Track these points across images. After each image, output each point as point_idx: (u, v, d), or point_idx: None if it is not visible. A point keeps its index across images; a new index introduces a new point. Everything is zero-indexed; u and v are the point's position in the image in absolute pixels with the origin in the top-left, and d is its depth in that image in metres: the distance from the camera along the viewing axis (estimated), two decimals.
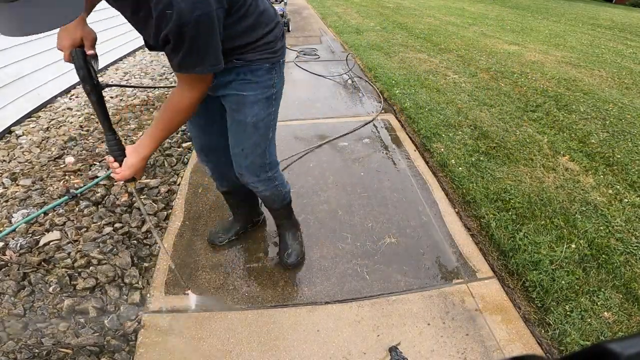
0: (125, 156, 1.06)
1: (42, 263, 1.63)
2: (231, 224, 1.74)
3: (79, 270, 1.60)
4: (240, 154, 1.28)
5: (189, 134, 2.77)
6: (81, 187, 2.11)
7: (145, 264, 1.65)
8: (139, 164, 1.07)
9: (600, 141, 2.76)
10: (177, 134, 2.77)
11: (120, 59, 4.67)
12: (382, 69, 4.20)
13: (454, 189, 2.16)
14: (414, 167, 2.34)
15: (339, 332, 1.33)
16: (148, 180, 2.21)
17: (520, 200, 2.04)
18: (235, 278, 1.56)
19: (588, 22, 8.92)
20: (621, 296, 1.52)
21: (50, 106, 3.29)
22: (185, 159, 2.44)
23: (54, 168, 2.35)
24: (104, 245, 1.71)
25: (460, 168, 2.31)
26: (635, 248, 1.76)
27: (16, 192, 2.10)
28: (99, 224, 1.86)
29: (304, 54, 4.86)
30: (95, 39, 1.02)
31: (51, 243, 1.74)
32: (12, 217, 1.91)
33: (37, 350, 1.28)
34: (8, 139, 2.74)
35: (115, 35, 4.54)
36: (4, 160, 2.45)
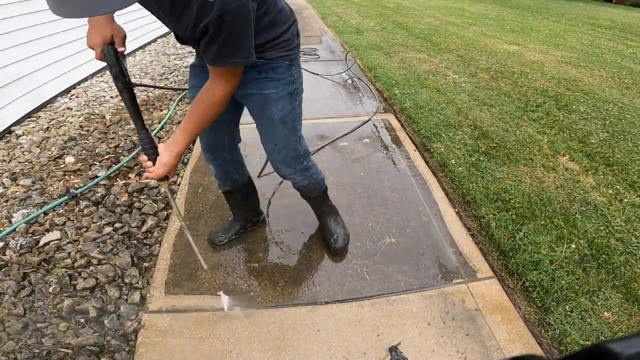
0: (157, 154, 1.07)
1: (42, 263, 1.63)
2: (231, 224, 1.74)
3: (79, 270, 1.60)
4: (274, 149, 1.34)
5: None
6: (81, 187, 2.11)
7: (145, 264, 1.65)
8: (172, 161, 1.08)
9: (600, 141, 2.76)
10: None
11: None
12: (382, 69, 4.20)
13: (454, 189, 2.16)
14: (414, 167, 2.34)
15: (339, 332, 1.33)
16: (148, 180, 2.21)
17: (520, 200, 2.04)
18: (235, 278, 1.56)
19: (588, 22, 8.92)
20: (621, 296, 1.52)
21: (50, 106, 3.29)
22: (185, 159, 2.44)
23: (54, 168, 2.35)
24: (104, 245, 1.71)
25: (460, 168, 2.31)
26: (635, 248, 1.76)
27: (16, 192, 2.10)
28: (99, 223, 1.86)
29: (304, 54, 4.85)
30: (125, 36, 1.03)
31: (51, 243, 1.74)
32: (12, 217, 1.91)
33: (37, 350, 1.28)
34: (8, 138, 2.74)
35: None
36: (4, 160, 2.45)
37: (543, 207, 2.00)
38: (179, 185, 2.17)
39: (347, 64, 4.37)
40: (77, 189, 2.10)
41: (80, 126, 2.91)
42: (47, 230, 1.82)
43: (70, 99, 3.46)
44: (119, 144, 2.62)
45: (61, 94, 3.49)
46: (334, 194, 2.06)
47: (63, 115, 3.10)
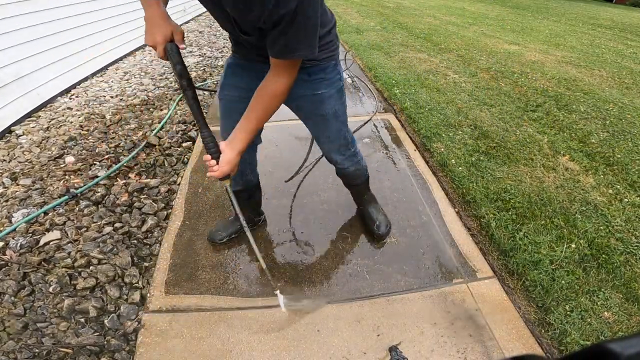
0: (220, 153, 1.07)
1: (42, 263, 1.63)
2: (232, 222, 1.74)
3: (79, 269, 1.60)
4: (327, 140, 1.42)
5: (196, 132, 2.77)
6: (81, 187, 2.11)
7: (146, 264, 1.65)
8: (235, 159, 1.09)
9: (601, 141, 2.76)
10: (177, 133, 2.77)
11: (120, 58, 4.67)
12: (382, 69, 4.20)
13: (454, 189, 2.16)
14: (414, 167, 2.34)
15: (339, 331, 1.33)
16: (148, 180, 2.21)
17: (520, 200, 2.04)
18: (235, 278, 1.56)
19: (588, 22, 8.92)
20: (621, 296, 1.52)
21: (51, 106, 3.29)
22: (186, 159, 2.44)
23: (54, 168, 2.35)
24: (104, 244, 1.71)
25: (460, 168, 2.31)
26: (636, 248, 1.76)
27: (16, 191, 2.10)
28: (99, 223, 1.86)
29: None
30: (183, 33, 1.03)
31: (51, 243, 1.74)
32: (12, 216, 1.91)
33: (37, 350, 1.28)
34: (8, 138, 2.74)
35: (115, 35, 4.54)
36: (4, 160, 2.45)
37: (543, 207, 2.00)
38: (179, 185, 2.17)
39: (347, 63, 4.36)
40: (77, 188, 2.10)
41: (81, 126, 2.91)
42: (47, 230, 1.82)
43: (70, 98, 3.46)
44: (119, 144, 2.62)
45: (61, 94, 3.49)
46: (334, 194, 2.06)
47: (63, 115, 3.10)
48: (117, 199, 2.05)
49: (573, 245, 1.75)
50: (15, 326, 1.36)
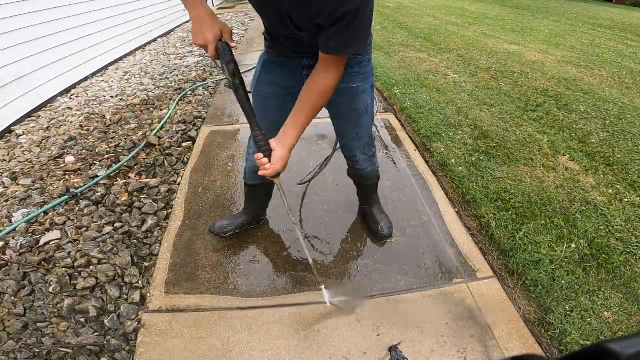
0: (271, 151, 1.08)
1: (42, 262, 1.63)
2: (238, 217, 1.76)
3: (79, 269, 1.60)
4: (355, 137, 1.42)
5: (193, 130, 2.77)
6: (81, 187, 2.11)
7: (146, 264, 1.65)
8: (287, 156, 1.10)
9: (601, 141, 2.76)
10: (178, 133, 2.77)
11: (120, 58, 4.67)
12: (382, 69, 4.20)
13: (454, 189, 2.16)
14: (414, 167, 2.34)
15: (339, 331, 1.33)
16: (148, 180, 2.21)
17: (520, 199, 2.04)
18: (235, 278, 1.56)
19: (588, 22, 8.92)
20: (621, 296, 1.52)
21: (51, 106, 3.30)
22: (186, 159, 2.44)
23: (54, 167, 2.35)
24: (104, 244, 1.71)
25: (460, 168, 2.31)
26: (636, 248, 1.76)
27: (16, 191, 2.11)
28: (99, 223, 1.87)
29: None
30: (232, 31, 1.03)
31: (51, 242, 1.74)
32: (13, 216, 1.91)
33: (37, 350, 1.28)
34: (8, 138, 2.74)
35: (115, 35, 4.54)
36: (4, 160, 2.45)
37: (543, 207, 2.00)
38: (179, 185, 2.17)
39: None
40: (77, 188, 2.10)
41: (81, 126, 2.91)
42: (47, 230, 1.82)
43: (70, 98, 3.46)
44: (119, 144, 2.62)
45: (61, 94, 3.49)
46: (334, 194, 2.06)
47: (63, 115, 3.10)
48: (117, 198, 2.05)
49: (573, 245, 1.75)
50: (15, 326, 1.36)
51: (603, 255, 1.70)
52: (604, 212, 1.98)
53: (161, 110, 3.20)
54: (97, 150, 2.54)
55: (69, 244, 1.74)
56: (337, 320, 1.37)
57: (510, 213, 1.93)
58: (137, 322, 1.38)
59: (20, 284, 1.53)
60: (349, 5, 0.86)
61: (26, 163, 2.40)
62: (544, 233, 1.82)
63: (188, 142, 2.66)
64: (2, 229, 1.82)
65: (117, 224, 1.86)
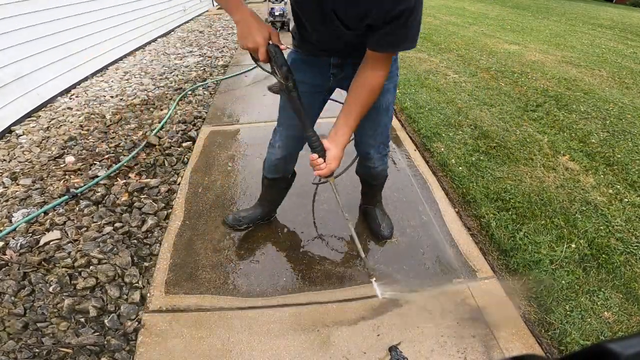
0: (325, 151, 1.09)
1: (43, 262, 1.63)
2: (253, 210, 1.78)
3: (79, 269, 1.60)
4: (373, 135, 1.42)
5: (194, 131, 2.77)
6: (81, 187, 2.11)
7: (146, 264, 1.65)
8: (341, 154, 1.12)
9: (601, 141, 2.76)
10: (178, 133, 2.77)
11: (120, 58, 4.67)
12: None
13: (454, 189, 2.16)
14: (414, 167, 2.34)
15: (339, 331, 1.33)
16: (148, 180, 2.21)
17: (520, 199, 2.04)
18: (235, 278, 1.56)
19: (589, 21, 8.91)
20: (621, 296, 1.52)
21: (51, 106, 3.30)
22: (186, 159, 2.44)
23: (54, 167, 2.35)
24: (104, 244, 1.71)
25: (460, 168, 2.31)
26: (636, 248, 1.76)
27: (16, 191, 2.11)
28: (99, 223, 1.87)
29: None
30: (278, 33, 1.03)
31: (51, 242, 1.74)
32: (13, 216, 1.91)
33: (37, 350, 1.28)
34: (8, 138, 2.74)
35: (115, 35, 4.54)
36: (4, 160, 2.45)
37: (543, 207, 2.00)
38: (179, 184, 2.17)
39: None
40: (77, 188, 2.10)
41: (81, 126, 2.91)
42: (47, 230, 1.82)
43: (70, 98, 3.46)
44: (119, 144, 2.62)
45: (61, 94, 3.49)
46: (334, 194, 2.06)
47: (63, 115, 3.10)
48: (117, 198, 2.05)
49: (573, 245, 1.75)
50: (15, 326, 1.36)
51: (603, 255, 1.70)
52: (604, 212, 1.98)
53: (161, 110, 3.20)
54: (97, 150, 2.54)
55: (69, 244, 1.74)
56: (337, 320, 1.37)
57: (510, 213, 1.93)
58: (137, 322, 1.38)
59: (20, 284, 1.53)
60: (406, 2, 0.87)
61: (26, 163, 2.40)
62: (544, 233, 1.82)
63: (188, 142, 2.66)
64: (2, 229, 1.82)
65: (117, 224, 1.86)
